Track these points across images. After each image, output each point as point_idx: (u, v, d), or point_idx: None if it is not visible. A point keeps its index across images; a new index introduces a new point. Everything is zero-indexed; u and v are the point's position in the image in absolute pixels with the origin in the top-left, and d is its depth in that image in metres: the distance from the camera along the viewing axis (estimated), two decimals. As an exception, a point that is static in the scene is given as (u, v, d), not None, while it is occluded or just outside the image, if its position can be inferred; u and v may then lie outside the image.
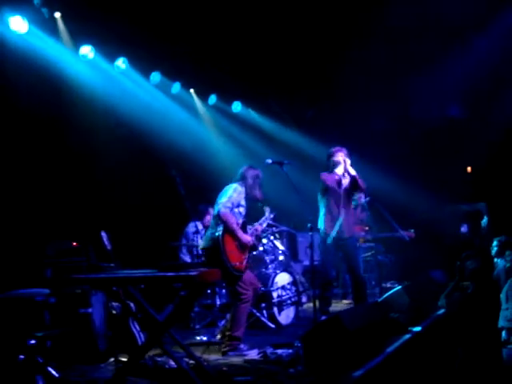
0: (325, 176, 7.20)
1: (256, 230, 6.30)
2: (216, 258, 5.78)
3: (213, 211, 6.12)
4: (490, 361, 4.72)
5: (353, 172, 7.12)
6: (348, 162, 7.14)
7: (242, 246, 6.00)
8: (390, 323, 5.95)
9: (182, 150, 8.89)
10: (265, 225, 6.68)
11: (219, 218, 5.89)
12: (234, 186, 6.08)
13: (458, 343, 4.89)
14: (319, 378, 4.75)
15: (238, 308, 5.91)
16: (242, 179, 6.16)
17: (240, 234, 5.95)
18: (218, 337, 6.55)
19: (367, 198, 7.85)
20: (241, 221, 6.08)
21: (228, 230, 5.87)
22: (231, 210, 5.94)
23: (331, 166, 7.24)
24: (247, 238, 6.03)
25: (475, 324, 4.80)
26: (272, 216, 6.62)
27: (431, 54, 9.61)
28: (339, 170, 7.16)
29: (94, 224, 6.74)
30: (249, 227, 6.22)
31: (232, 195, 5.97)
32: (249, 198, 6.15)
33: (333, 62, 9.94)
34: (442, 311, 7.15)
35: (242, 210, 6.09)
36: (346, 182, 7.16)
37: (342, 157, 7.18)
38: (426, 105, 10.71)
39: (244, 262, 5.98)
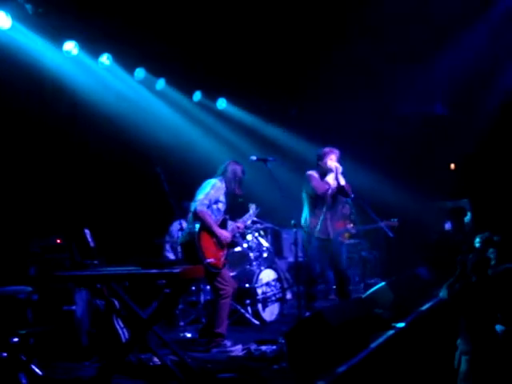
0: (315, 183, 7.04)
1: (238, 227, 6.29)
2: (192, 254, 5.79)
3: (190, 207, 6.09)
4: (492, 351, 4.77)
5: (342, 182, 7.03)
6: (340, 169, 7.03)
7: (220, 243, 5.99)
8: (374, 319, 5.98)
9: (166, 147, 8.86)
10: (249, 222, 6.67)
11: (195, 216, 5.88)
12: (213, 181, 6.07)
13: (460, 330, 4.94)
14: (303, 374, 4.76)
15: (218, 304, 5.91)
16: (223, 173, 6.16)
17: (218, 230, 5.93)
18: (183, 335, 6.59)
19: (351, 196, 7.86)
20: (220, 217, 6.06)
21: (205, 227, 5.87)
22: (208, 206, 5.93)
23: (322, 169, 7.13)
24: (225, 235, 6.01)
25: (477, 312, 4.87)
26: (256, 212, 6.61)
27: (415, 52, 9.64)
28: (330, 179, 7.03)
29: (77, 221, 6.72)
30: (231, 223, 6.21)
31: (209, 192, 5.96)
32: (228, 192, 6.14)
33: (317, 60, 9.94)
34: (425, 307, 7.21)
35: (220, 206, 6.08)
36: (334, 185, 7.11)
37: (334, 162, 7.05)
38: (409, 102, 10.77)
39: (221, 259, 5.96)
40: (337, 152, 7.17)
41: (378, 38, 9.18)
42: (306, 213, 7.16)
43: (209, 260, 5.79)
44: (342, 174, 7.08)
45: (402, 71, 9.97)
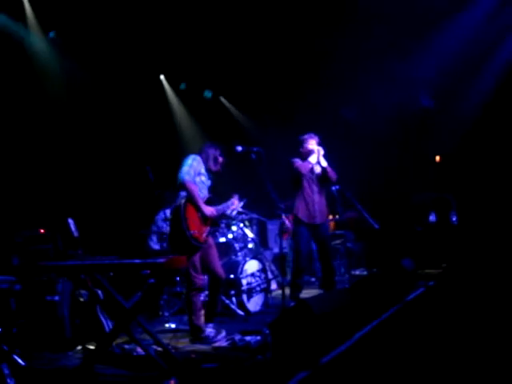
0: (298, 163, 7.20)
1: (217, 209, 6.24)
2: (177, 226, 5.77)
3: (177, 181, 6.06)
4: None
5: (324, 163, 7.17)
6: (321, 152, 7.17)
7: (204, 218, 5.97)
8: (359, 309, 6.00)
9: (151, 137, 8.83)
10: (229, 211, 6.64)
11: (182, 186, 5.88)
12: (192, 156, 6.11)
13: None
14: (287, 364, 4.77)
15: (189, 297, 5.92)
16: (200, 152, 6.21)
17: (202, 204, 5.92)
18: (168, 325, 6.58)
19: (336, 187, 7.89)
20: (206, 193, 6.09)
21: (190, 200, 5.87)
22: (194, 177, 5.95)
23: (304, 154, 7.26)
24: (209, 210, 5.99)
25: None
26: (237, 203, 6.54)
27: (400, 43, 9.65)
28: (313, 159, 7.17)
29: (61, 211, 6.67)
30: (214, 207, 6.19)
31: (192, 163, 5.99)
32: (206, 169, 6.16)
33: (303, 52, 9.93)
34: (410, 297, 7.23)
35: (204, 179, 6.09)
36: (318, 169, 7.22)
37: (315, 145, 7.21)
38: (395, 94, 10.76)
39: (204, 235, 5.95)
40: (316, 137, 7.32)
41: (363, 28, 9.17)
42: (293, 200, 7.22)
43: (192, 231, 5.78)
44: (324, 156, 7.19)
45: (387, 63, 9.97)
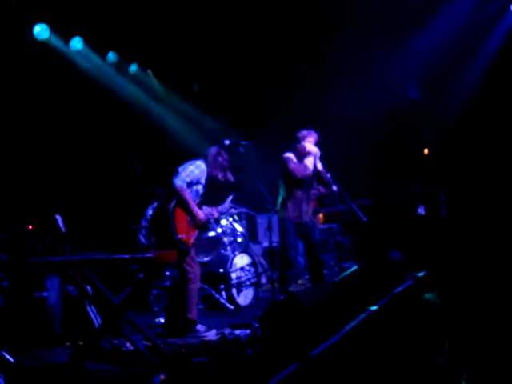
0: (293, 166, 6.97)
1: (212, 214, 6.21)
2: (163, 228, 5.73)
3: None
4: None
5: (319, 166, 7.06)
6: (318, 154, 7.04)
7: (194, 222, 5.92)
8: (348, 301, 6.01)
9: (140, 131, 8.80)
10: (223, 216, 6.64)
11: (174, 190, 5.81)
12: (198, 162, 6.01)
13: None
14: (277, 357, 4.78)
15: (186, 290, 5.87)
16: (205, 157, 6.11)
17: (195, 208, 5.86)
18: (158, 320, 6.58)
19: (333, 186, 7.80)
20: (197, 200, 6.01)
21: (180, 203, 5.80)
22: (189, 186, 5.87)
23: (300, 153, 7.08)
24: (201, 215, 5.94)
25: None
26: (226, 208, 6.52)
27: (388, 36, 9.65)
28: (309, 162, 7.00)
29: (49, 207, 6.64)
30: (206, 207, 6.16)
31: (193, 171, 5.90)
32: (209, 177, 6.08)
33: (290, 46, 9.91)
34: (398, 290, 7.26)
35: (200, 188, 6.02)
36: (311, 169, 7.13)
37: (313, 147, 7.05)
38: (383, 87, 10.77)
39: (191, 239, 5.89)
40: (315, 135, 7.16)
41: (350, 22, 9.17)
42: (282, 196, 7.14)
43: (179, 235, 5.74)
44: (320, 158, 7.12)
45: (376, 56, 9.98)
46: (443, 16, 9.59)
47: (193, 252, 5.96)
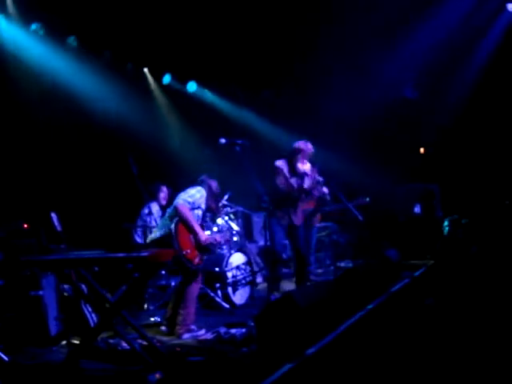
0: (281, 180, 7.15)
1: (214, 238, 6.20)
2: (169, 245, 5.73)
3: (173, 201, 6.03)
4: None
5: (307, 183, 7.22)
6: (309, 171, 7.21)
7: (197, 242, 5.91)
8: (344, 300, 6.02)
9: (135, 130, 8.78)
10: (223, 239, 6.68)
11: (175, 211, 5.84)
12: (199, 188, 6.07)
13: None
14: (272, 356, 4.78)
15: (188, 289, 5.89)
16: (202, 185, 6.15)
17: (197, 227, 5.87)
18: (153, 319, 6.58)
19: (322, 179, 7.86)
20: (199, 223, 6.03)
21: (183, 222, 5.81)
22: (191, 208, 5.90)
23: (292, 166, 7.21)
24: (204, 235, 5.95)
25: None
26: (227, 199, 6.56)
27: (385, 35, 9.65)
28: (294, 182, 7.18)
29: (44, 205, 6.62)
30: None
31: (195, 195, 5.97)
32: (207, 204, 6.16)
33: (290, 44, 9.90)
34: (395, 288, 7.27)
35: (200, 213, 6.08)
36: (306, 182, 7.26)
37: (307, 165, 7.18)
38: (380, 86, 10.78)
39: (196, 259, 5.88)
40: (311, 148, 7.24)
41: (347, 20, 9.16)
42: (273, 198, 7.15)
43: (184, 251, 5.73)
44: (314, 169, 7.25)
45: (373, 55, 9.98)
46: (440, 15, 9.59)
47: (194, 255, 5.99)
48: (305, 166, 7.22)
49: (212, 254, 7.65)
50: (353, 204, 7.84)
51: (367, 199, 8.43)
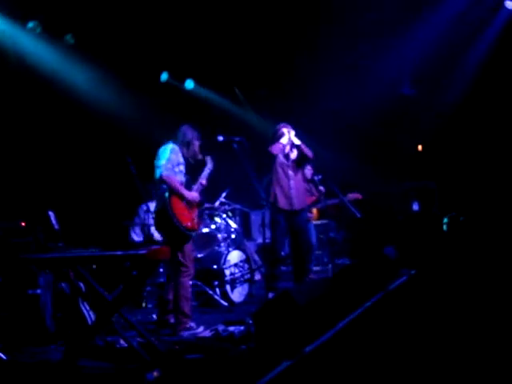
0: (270, 148, 7.12)
1: (201, 184, 6.15)
2: (167, 222, 5.76)
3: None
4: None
5: (297, 141, 7.12)
6: (292, 132, 7.12)
7: (190, 204, 5.94)
8: (342, 298, 6.02)
9: (133, 129, 8.77)
10: (206, 176, 6.41)
11: (162, 181, 5.80)
12: (170, 146, 5.97)
13: None
14: (270, 354, 4.78)
15: (179, 283, 5.86)
16: (177, 137, 6.08)
17: (185, 192, 5.89)
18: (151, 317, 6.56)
19: (319, 176, 7.88)
20: (184, 179, 6.00)
21: (173, 192, 5.81)
22: (172, 170, 5.86)
23: (276, 139, 7.18)
24: (193, 195, 5.97)
25: None
26: (212, 166, 6.36)
27: (382, 31, 9.63)
28: (284, 140, 7.11)
29: (41, 203, 6.61)
30: (194, 186, 6.13)
31: (170, 156, 5.87)
32: (182, 155, 6.04)
33: (281, 41, 9.89)
34: (392, 286, 7.27)
35: (182, 168, 5.99)
36: (293, 155, 7.18)
37: (285, 128, 7.16)
38: (377, 83, 10.78)
39: (195, 220, 5.96)
40: (288, 125, 7.22)
41: (342, 16, 9.14)
42: (271, 187, 7.15)
43: (185, 224, 5.78)
44: (297, 136, 7.16)
45: (370, 52, 9.97)
46: (437, 11, 9.57)
47: (190, 249, 5.96)
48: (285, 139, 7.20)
49: (210, 248, 7.67)
50: (347, 198, 7.89)
51: (359, 195, 8.45)
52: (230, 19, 9.20)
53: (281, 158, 7.16)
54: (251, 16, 9.26)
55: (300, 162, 7.25)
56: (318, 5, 8.99)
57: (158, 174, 5.84)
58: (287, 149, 7.16)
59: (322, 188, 7.98)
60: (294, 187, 7.11)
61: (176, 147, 5.99)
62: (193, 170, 6.19)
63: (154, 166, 5.90)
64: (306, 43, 9.63)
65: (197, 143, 6.12)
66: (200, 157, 6.18)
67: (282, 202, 7.04)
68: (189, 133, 6.08)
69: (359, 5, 8.83)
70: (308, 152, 7.15)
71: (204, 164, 6.25)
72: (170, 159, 5.87)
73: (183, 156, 6.03)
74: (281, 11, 9.29)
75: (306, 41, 9.58)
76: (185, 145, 6.04)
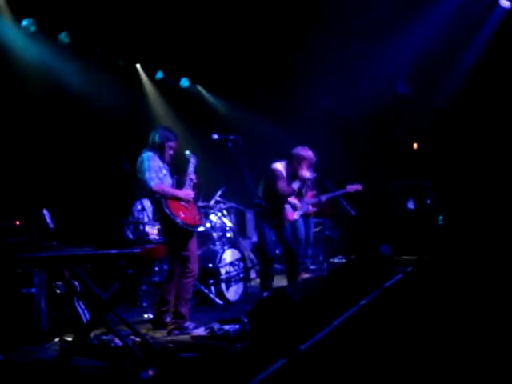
0: (282, 185, 7.04)
1: (191, 179, 6.11)
2: (171, 225, 5.76)
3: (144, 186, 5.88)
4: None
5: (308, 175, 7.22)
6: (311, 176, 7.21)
7: (187, 202, 5.95)
8: (337, 296, 6.02)
9: (128, 127, 8.76)
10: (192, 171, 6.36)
11: (154, 192, 5.78)
12: (145, 155, 5.88)
13: None
14: (265, 352, 4.78)
15: (182, 284, 5.86)
16: (148, 144, 6.01)
17: (178, 192, 5.89)
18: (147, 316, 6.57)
19: (314, 174, 7.87)
20: (172, 180, 5.98)
21: (167, 197, 5.80)
22: (157, 177, 5.80)
23: (291, 171, 7.14)
24: (186, 192, 5.95)
25: None
26: (194, 164, 6.29)
27: (377, 31, 9.64)
28: (296, 187, 7.22)
29: (36, 202, 6.60)
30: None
31: (150, 165, 5.79)
32: (160, 158, 5.97)
33: (278, 40, 9.89)
34: (388, 284, 7.28)
35: (164, 171, 5.95)
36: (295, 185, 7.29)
37: (307, 173, 7.13)
38: (372, 82, 10.78)
39: (196, 216, 6.00)
40: (311, 157, 7.15)
41: (338, 15, 9.15)
42: (261, 193, 7.13)
43: (189, 223, 5.81)
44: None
45: (365, 51, 9.98)
46: (433, 10, 9.58)
47: (195, 247, 5.96)
48: (307, 174, 7.15)
49: (205, 247, 7.66)
50: (346, 190, 7.94)
51: (359, 186, 8.45)
52: (228, 19, 9.20)
53: (285, 176, 7.15)
54: (248, 16, 9.26)
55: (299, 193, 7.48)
56: (314, 6, 8.99)
57: (147, 187, 5.77)
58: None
59: (323, 197, 8.05)
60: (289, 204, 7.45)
61: (150, 153, 5.90)
62: (177, 168, 6.17)
63: (138, 179, 5.85)
64: (305, 43, 9.63)
65: (170, 144, 6.00)
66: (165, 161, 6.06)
67: (271, 217, 7.10)
68: (158, 136, 5.97)
69: (355, 6, 8.83)
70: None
71: (187, 161, 6.20)
72: (150, 168, 5.78)
73: (161, 159, 5.95)
74: (278, 11, 9.30)
75: (304, 41, 9.58)
76: (157, 148, 5.95)
